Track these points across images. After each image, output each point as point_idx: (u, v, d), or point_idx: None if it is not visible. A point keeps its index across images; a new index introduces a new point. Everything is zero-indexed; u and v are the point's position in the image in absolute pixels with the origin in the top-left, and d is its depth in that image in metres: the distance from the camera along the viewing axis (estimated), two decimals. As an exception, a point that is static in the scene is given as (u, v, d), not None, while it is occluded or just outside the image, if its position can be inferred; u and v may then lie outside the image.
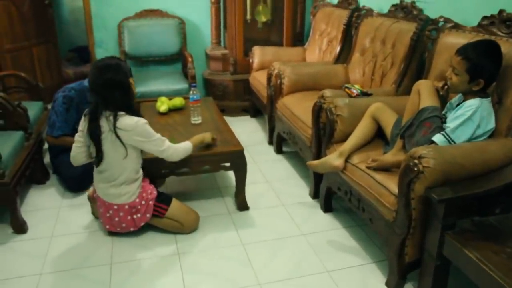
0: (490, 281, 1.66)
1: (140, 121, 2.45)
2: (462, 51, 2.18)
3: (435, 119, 2.30)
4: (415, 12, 3.20)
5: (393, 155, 2.38)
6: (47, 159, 3.48)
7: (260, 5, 4.79)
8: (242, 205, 2.99)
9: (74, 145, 2.58)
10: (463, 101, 2.25)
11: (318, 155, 2.96)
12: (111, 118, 2.41)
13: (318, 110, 2.88)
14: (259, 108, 4.58)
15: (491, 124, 2.20)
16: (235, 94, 4.82)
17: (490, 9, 2.51)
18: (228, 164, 2.87)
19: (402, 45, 3.14)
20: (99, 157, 2.48)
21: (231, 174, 3.16)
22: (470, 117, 2.14)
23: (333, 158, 2.58)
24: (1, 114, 2.96)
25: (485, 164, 2.08)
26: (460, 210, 1.94)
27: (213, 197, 3.16)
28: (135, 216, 2.56)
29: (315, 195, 3.11)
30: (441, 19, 2.88)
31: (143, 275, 2.38)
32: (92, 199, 2.78)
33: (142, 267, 2.44)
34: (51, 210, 2.98)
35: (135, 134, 2.43)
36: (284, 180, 3.43)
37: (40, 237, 2.69)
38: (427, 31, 2.94)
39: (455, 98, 2.35)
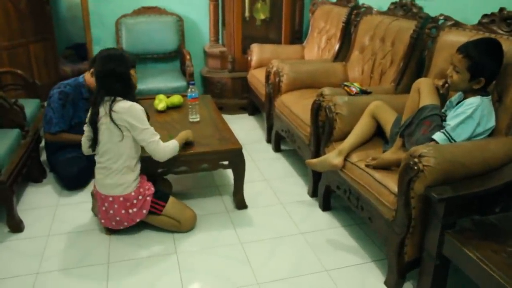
0: (491, 281, 1.65)
1: (136, 105, 2.48)
2: (464, 49, 2.17)
3: (435, 118, 2.29)
4: (414, 10, 3.18)
5: (392, 154, 2.36)
6: (44, 157, 3.46)
7: (258, 3, 4.77)
8: (240, 204, 2.97)
9: (84, 135, 2.62)
10: (464, 99, 2.24)
11: (317, 153, 2.95)
12: (108, 102, 2.45)
13: (317, 108, 2.87)
14: (257, 106, 4.57)
15: (491, 123, 2.18)
16: (233, 92, 4.81)
17: (491, 7, 2.50)
18: (226, 163, 2.86)
19: (402, 43, 3.12)
20: (95, 140, 2.53)
21: (229, 173, 3.14)
22: (470, 115, 2.13)
23: (332, 157, 2.57)
24: (-2, 111, 2.94)
25: (485, 162, 2.07)
26: (460, 209, 1.93)
27: (211, 195, 3.15)
28: (130, 211, 2.55)
29: (313, 193, 3.10)
30: (441, 17, 2.86)
31: (140, 274, 2.37)
32: (93, 196, 2.77)
33: (140, 266, 2.43)
34: (48, 209, 2.96)
35: (128, 116, 2.44)
36: (283, 179, 3.41)
37: (36, 236, 2.68)
38: (427, 29, 2.93)
39: (455, 96, 2.34)
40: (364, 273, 2.38)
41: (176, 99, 3.48)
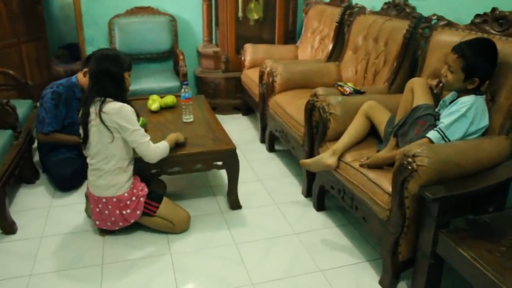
0: (484, 280, 1.66)
1: (126, 106, 2.46)
2: (459, 49, 2.17)
3: (429, 117, 2.30)
4: (408, 10, 3.19)
5: (386, 153, 2.37)
6: (36, 158, 3.44)
7: (252, 3, 4.77)
8: (235, 204, 2.97)
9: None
10: (457, 98, 2.25)
11: (311, 153, 2.95)
12: (99, 103, 2.44)
13: (310, 108, 2.87)
14: (251, 106, 4.57)
15: (484, 122, 2.19)
16: (226, 92, 4.80)
17: (483, 7, 2.51)
18: (220, 163, 2.85)
19: (395, 43, 3.13)
20: (85, 141, 2.52)
21: (223, 173, 3.14)
22: (464, 113, 2.14)
23: (326, 157, 2.57)
24: (-11, 112, 2.92)
25: (479, 162, 2.08)
26: (454, 209, 1.94)
27: (205, 196, 3.14)
28: (124, 212, 2.54)
29: (308, 193, 3.10)
30: (434, 17, 2.87)
31: (135, 275, 2.36)
32: (87, 197, 2.76)
33: (134, 267, 2.42)
34: (41, 210, 2.94)
35: (118, 117, 2.42)
36: (277, 179, 3.41)
37: (30, 237, 2.66)
38: (420, 29, 2.94)
39: (449, 96, 2.34)
40: (358, 273, 2.38)
41: (169, 99, 3.47)
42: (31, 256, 2.49)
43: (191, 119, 3.21)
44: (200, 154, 2.79)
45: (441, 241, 1.90)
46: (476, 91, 2.19)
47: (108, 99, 2.45)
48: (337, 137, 2.66)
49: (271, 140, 3.89)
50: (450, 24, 2.75)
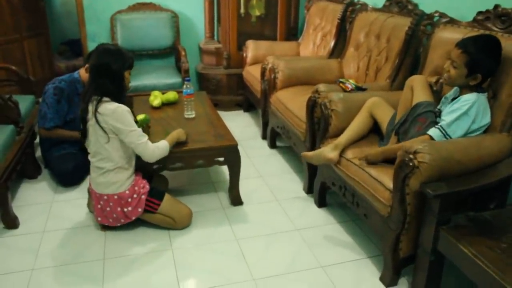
0: (485, 276, 1.66)
1: (121, 107, 2.43)
2: (463, 45, 2.17)
3: (429, 114, 2.30)
4: (410, 7, 3.19)
5: (384, 148, 2.40)
6: (38, 153, 3.45)
7: (254, -1, 4.77)
8: (236, 200, 2.97)
9: None
10: (460, 95, 2.25)
11: (313, 150, 2.95)
12: (95, 102, 2.42)
13: (312, 105, 2.87)
14: (252, 102, 4.56)
15: (486, 120, 2.19)
16: (228, 89, 4.80)
17: (485, 4, 2.50)
18: (222, 159, 2.86)
19: (397, 40, 3.13)
20: (83, 138, 2.53)
21: (224, 169, 3.15)
22: (466, 111, 2.14)
23: (328, 151, 2.57)
24: (-8, 107, 2.92)
25: (480, 159, 2.08)
26: (455, 206, 1.94)
27: (207, 192, 3.15)
28: (125, 209, 2.54)
29: (309, 190, 3.11)
30: (436, 14, 2.87)
31: (136, 270, 2.37)
32: (90, 192, 2.76)
33: (136, 262, 2.43)
34: (43, 205, 2.95)
35: (113, 119, 2.40)
36: (278, 175, 3.42)
37: (32, 232, 2.67)
38: (422, 26, 2.93)
39: (451, 92, 2.34)
40: (359, 269, 2.39)
41: (171, 95, 3.47)
42: (33, 251, 2.50)
43: (193, 115, 3.21)
44: (201, 150, 2.80)
45: (442, 237, 1.90)
46: (478, 88, 2.19)
47: (105, 99, 2.43)
48: (338, 134, 2.66)
49: (273, 136, 3.89)
50: (452, 21, 2.75)
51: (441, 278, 2.07)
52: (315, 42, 4.33)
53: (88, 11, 4.66)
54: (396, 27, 3.18)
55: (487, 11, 2.49)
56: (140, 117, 2.84)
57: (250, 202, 3.01)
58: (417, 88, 2.44)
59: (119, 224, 2.62)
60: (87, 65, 3.01)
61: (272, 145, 3.92)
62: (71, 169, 3.11)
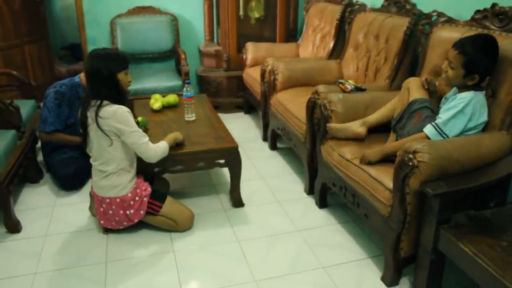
0: (485, 275, 1.67)
1: (121, 109, 2.43)
2: (459, 45, 2.18)
3: (425, 110, 2.33)
4: (408, 7, 3.20)
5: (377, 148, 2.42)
6: (40, 157, 3.46)
7: (253, 1, 4.77)
8: (237, 202, 2.98)
9: None
10: (457, 94, 2.26)
11: (313, 150, 2.97)
12: (95, 107, 2.43)
13: (312, 106, 2.88)
14: (253, 104, 4.57)
15: (483, 118, 2.20)
16: (228, 91, 4.81)
17: (483, 3, 2.51)
18: (222, 161, 2.86)
19: (396, 40, 3.14)
20: (85, 143, 2.54)
21: (226, 171, 3.15)
22: (462, 109, 2.15)
23: (356, 126, 2.59)
24: (-7, 113, 2.94)
25: (480, 158, 2.09)
26: (455, 204, 1.94)
27: (208, 194, 3.15)
28: (128, 212, 2.55)
29: (310, 191, 3.11)
30: (434, 14, 2.88)
31: (138, 273, 2.38)
32: (92, 196, 2.77)
33: (138, 265, 2.43)
34: (45, 209, 2.96)
35: (114, 120, 2.41)
36: (279, 176, 3.42)
37: (34, 236, 2.68)
38: (420, 26, 2.94)
39: (450, 93, 2.35)
40: (361, 269, 2.40)
41: (171, 98, 3.48)
42: (36, 255, 2.51)
43: (193, 118, 3.22)
44: (202, 153, 2.80)
45: (442, 236, 1.91)
46: (476, 87, 2.19)
47: (104, 102, 2.43)
48: (333, 135, 2.67)
49: (273, 138, 3.90)
50: (450, 21, 2.75)
51: (442, 277, 2.08)
52: (314, 43, 4.34)
53: (88, 15, 4.68)
54: (394, 27, 3.19)
55: (485, 9, 2.50)
56: (139, 119, 2.85)
57: (251, 203, 3.02)
58: (413, 89, 2.47)
59: (121, 227, 2.63)
60: (87, 69, 3.03)
61: (273, 147, 3.92)
62: (72, 173, 3.12)
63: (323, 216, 2.88)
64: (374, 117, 2.61)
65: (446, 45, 2.59)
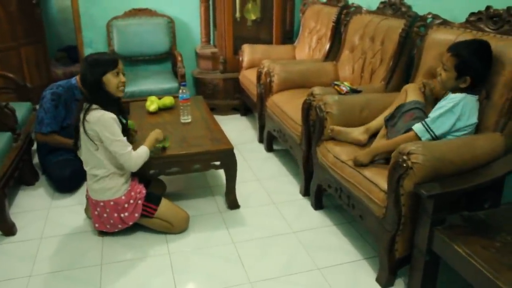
0: (479, 276, 1.67)
1: (106, 115, 2.42)
2: (453, 48, 2.22)
3: (417, 111, 2.35)
4: (403, 9, 3.21)
5: (375, 143, 2.46)
6: (36, 160, 3.46)
7: (249, 3, 4.79)
8: (233, 204, 2.98)
9: None
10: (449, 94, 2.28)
11: (308, 152, 2.97)
12: (84, 111, 2.43)
13: (307, 108, 2.88)
14: (249, 106, 4.58)
15: (473, 119, 2.20)
16: (225, 93, 4.81)
17: (478, 6, 2.52)
18: (218, 163, 2.86)
19: (391, 42, 3.14)
20: (76, 146, 2.56)
21: (222, 173, 3.15)
22: (451, 108, 2.16)
23: (358, 133, 2.60)
24: (-12, 115, 2.93)
25: (474, 159, 2.09)
26: (449, 206, 1.94)
27: (204, 196, 3.15)
28: (122, 215, 2.55)
29: (305, 192, 3.11)
30: (429, 16, 2.89)
31: (133, 275, 2.37)
32: (87, 198, 2.77)
33: (133, 267, 2.43)
34: (40, 212, 2.95)
35: (98, 126, 2.40)
36: (275, 178, 3.42)
37: (29, 239, 2.67)
38: (416, 28, 2.95)
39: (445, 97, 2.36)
40: (356, 271, 2.40)
41: (167, 100, 3.48)
42: (31, 257, 2.50)
43: (189, 120, 3.22)
44: (198, 154, 2.80)
45: (436, 237, 1.91)
46: (468, 91, 2.20)
47: (93, 106, 2.43)
48: (333, 137, 2.67)
49: (269, 139, 3.90)
50: (445, 23, 2.76)
51: (436, 278, 2.08)
52: (310, 45, 4.35)
53: (84, 17, 4.68)
54: (390, 29, 3.20)
55: (479, 12, 2.51)
56: (129, 122, 2.82)
57: (247, 205, 3.02)
58: (410, 92, 2.49)
59: (116, 230, 2.63)
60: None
61: (269, 149, 3.93)
62: (68, 175, 3.12)
63: (318, 218, 2.89)
64: (376, 123, 2.61)
65: (441, 47, 2.60)
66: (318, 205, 2.97)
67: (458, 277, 1.84)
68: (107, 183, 2.50)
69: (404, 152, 1.99)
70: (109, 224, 2.59)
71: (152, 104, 3.40)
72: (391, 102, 2.63)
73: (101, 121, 2.40)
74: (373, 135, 2.61)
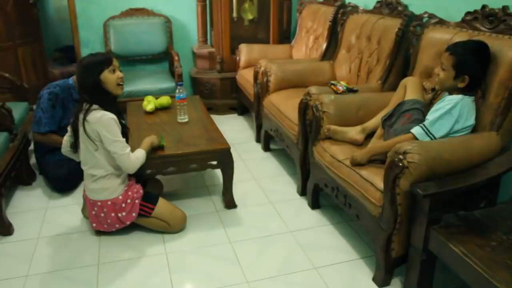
0: (475, 275, 1.68)
1: (106, 115, 2.42)
2: (451, 48, 2.22)
3: (415, 111, 2.34)
4: (400, 8, 3.21)
5: (372, 143, 2.45)
6: (33, 160, 3.45)
7: (246, 3, 4.79)
8: (230, 203, 2.99)
9: (66, 134, 2.62)
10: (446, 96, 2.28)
11: (305, 152, 2.97)
12: (84, 112, 2.43)
13: (304, 107, 2.89)
14: (246, 106, 4.58)
15: (470, 121, 2.21)
16: (222, 92, 4.81)
17: (473, 5, 2.53)
18: (215, 163, 2.87)
19: (388, 41, 3.15)
20: (75, 147, 2.56)
21: (219, 173, 3.15)
22: (449, 110, 2.16)
23: (355, 132, 2.60)
24: (-15, 115, 2.93)
25: (470, 158, 2.10)
26: (445, 205, 1.95)
27: (201, 195, 3.16)
28: (119, 214, 2.55)
29: (302, 192, 3.12)
30: (426, 15, 2.89)
31: (130, 275, 2.37)
32: (84, 198, 2.77)
33: (130, 267, 2.43)
34: (37, 212, 2.95)
35: (98, 126, 2.40)
36: (272, 178, 3.43)
37: (26, 238, 2.67)
38: (412, 27, 2.95)
39: (442, 98, 2.36)
40: (352, 270, 2.40)
41: (164, 100, 3.48)
42: (28, 257, 2.50)
43: (186, 119, 3.22)
44: (194, 154, 2.80)
45: (432, 237, 1.92)
46: (465, 91, 2.21)
47: (93, 107, 2.44)
48: (330, 136, 2.68)
49: (267, 139, 3.91)
50: (441, 22, 2.77)
51: (433, 277, 2.09)
52: (307, 44, 4.35)
53: (81, 17, 4.68)
54: (386, 28, 3.20)
55: (475, 11, 2.52)
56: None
57: (244, 205, 3.02)
58: (410, 88, 2.48)
59: (113, 230, 2.63)
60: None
61: (266, 148, 3.93)
62: (65, 175, 3.12)
63: (315, 217, 2.89)
64: (372, 123, 2.61)
65: (437, 46, 2.61)
66: (315, 204, 2.97)
67: (454, 276, 1.85)
68: (104, 183, 2.50)
69: (400, 152, 1.99)
70: (106, 223, 2.59)
71: (149, 104, 3.40)
72: (387, 102, 2.63)
73: (101, 122, 2.40)
74: (370, 135, 2.62)
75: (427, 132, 2.16)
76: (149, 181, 2.89)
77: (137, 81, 4.33)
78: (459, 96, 2.18)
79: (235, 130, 4.39)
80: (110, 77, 2.48)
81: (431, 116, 2.20)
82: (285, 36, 4.98)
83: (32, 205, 3.03)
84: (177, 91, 3.18)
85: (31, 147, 3.40)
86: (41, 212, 2.95)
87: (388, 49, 3.13)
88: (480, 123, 2.25)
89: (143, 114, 3.38)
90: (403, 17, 3.09)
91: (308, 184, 2.99)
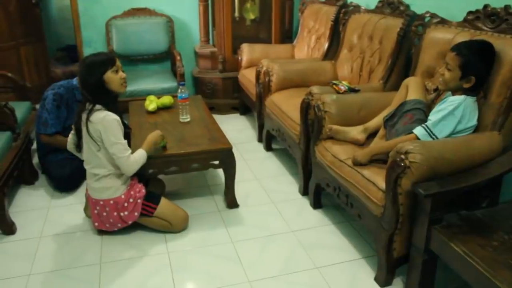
0: (476, 274, 1.68)
1: (109, 116, 2.43)
2: (456, 48, 2.20)
3: (417, 111, 2.34)
4: (401, 8, 3.21)
5: (374, 143, 2.45)
6: (36, 159, 3.46)
7: (248, 3, 4.80)
8: (232, 203, 2.99)
9: (71, 132, 2.63)
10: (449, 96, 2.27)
11: (307, 151, 2.98)
12: (87, 111, 2.44)
13: (306, 107, 2.89)
14: (248, 105, 4.58)
15: (473, 122, 2.21)
16: (224, 92, 4.82)
17: (475, 4, 2.53)
18: (216, 162, 2.87)
19: (389, 41, 3.15)
20: (79, 147, 2.57)
21: (221, 172, 3.16)
22: (452, 111, 2.16)
23: (356, 132, 2.60)
24: (-12, 114, 2.94)
25: (471, 158, 2.10)
26: (447, 205, 1.95)
27: (203, 195, 3.16)
28: (122, 214, 2.56)
29: (304, 191, 3.12)
30: (427, 15, 2.89)
31: (132, 274, 2.38)
32: (86, 197, 2.77)
33: (132, 266, 2.44)
34: (40, 211, 2.96)
35: (101, 127, 2.41)
36: (274, 177, 3.43)
37: (29, 237, 2.68)
38: (414, 27, 2.95)
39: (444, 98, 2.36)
40: (354, 270, 2.40)
41: (166, 99, 3.49)
42: (30, 256, 2.51)
43: (188, 119, 3.23)
44: (196, 154, 2.81)
45: (434, 236, 1.91)
46: (468, 92, 2.20)
47: (96, 107, 2.44)
48: (332, 136, 2.68)
49: (268, 139, 3.91)
50: (443, 22, 2.77)
51: (434, 277, 2.09)
52: (309, 44, 4.36)
53: (83, 17, 4.68)
54: (388, 28, 3.20)
55: (477, 11, 2.52)
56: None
57: (246, 204, 3.03)
58: (412, 88, 2.47)
59: (116, 229, 2.64)
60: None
61: (268, 148, 3.93)
62: (67, 175, 3.13)
63: (317, 217, 2.89)
64: (374, 123, 2.61)
65: (439, 46, 2.62)
66: (316, 204, 2.98)
67: (456, 276, 1.85)
68: (107, 182, 2.51)
69: (402, 151, 1.99)
70: (108, 223, 2.60)
71: (151, 103, 3.41)
72: (389, 101, 2.63)
73: (104, 122, 2.41)
74: (372, 135, 2.62)
75: (430, 133, 2.16)
76: (151, 181, 2.89)
77: (139, 81, 4.34)
78: (462, 97, 2.18)
79: (237, 129, 4.39)
80: (113, 77, 2.49)
81: (433, 116, 2.20)
82: (287, 35, 4.98)
83: (35, 204, 3.04)
84: (179, 90, 3.18)
85: (34, 146, 3.41)
86: (44, 211, 2.96)
87: (390, 49, 3.13)
88: (482, 123, 2.24)
89: (145, 113, 3.38)
90: (405, 16, 3.09)
91: (310, 184, 2.99)
